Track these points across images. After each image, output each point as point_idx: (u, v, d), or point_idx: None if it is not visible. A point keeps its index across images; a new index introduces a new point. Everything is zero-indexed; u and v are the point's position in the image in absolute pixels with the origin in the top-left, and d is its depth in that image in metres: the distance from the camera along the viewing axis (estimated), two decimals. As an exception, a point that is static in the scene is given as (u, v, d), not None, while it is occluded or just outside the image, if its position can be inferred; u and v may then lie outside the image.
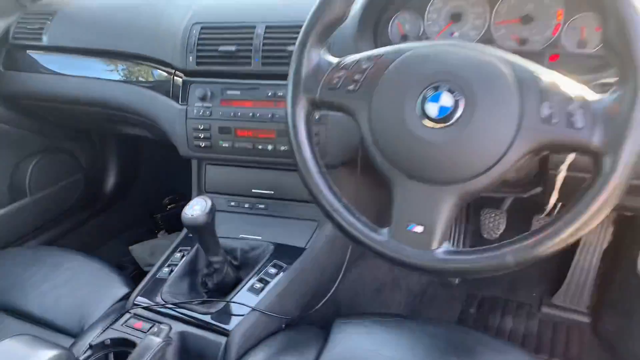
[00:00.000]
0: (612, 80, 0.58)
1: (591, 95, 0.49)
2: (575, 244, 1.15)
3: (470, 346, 0.70)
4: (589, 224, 0.48)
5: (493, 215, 1.19)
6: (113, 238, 1.21)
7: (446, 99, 0.52)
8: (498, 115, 0.51)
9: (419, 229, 0.55)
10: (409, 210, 0.56)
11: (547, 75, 0.51)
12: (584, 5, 0.70)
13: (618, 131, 0.46)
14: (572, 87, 0.50)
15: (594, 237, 1.10)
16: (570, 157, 0.66)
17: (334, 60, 0.61)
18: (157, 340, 0.63)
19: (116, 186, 1.46)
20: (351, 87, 0.58)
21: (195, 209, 0.73)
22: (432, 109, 0.53)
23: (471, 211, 1.22)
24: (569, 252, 1.14)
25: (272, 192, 0.92)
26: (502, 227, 1.18)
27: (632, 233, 1.05)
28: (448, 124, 0.52)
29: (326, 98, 0.60)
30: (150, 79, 0.99)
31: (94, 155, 1.41)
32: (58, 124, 1.28)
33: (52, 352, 0.56)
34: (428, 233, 0.55)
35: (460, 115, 0.51)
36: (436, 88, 0.53)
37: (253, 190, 0.93)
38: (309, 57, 0.60)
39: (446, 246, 0.55)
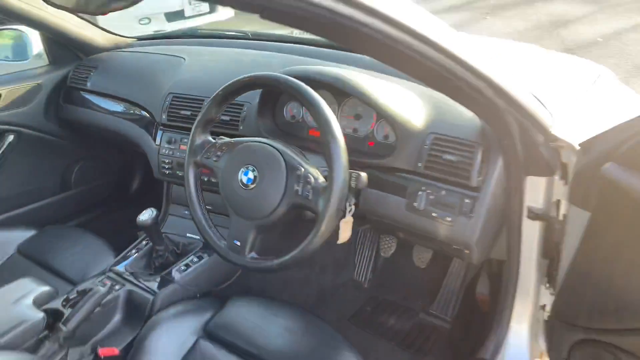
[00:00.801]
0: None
1: (316, 180, 0.89)
2: (446, 270, 1.49)
3: (312, 330, 1.09)
4: (311, 249, 0.89)
5: (387, 239, 1.56)
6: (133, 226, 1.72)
7: (250, 175, 0.94)
8: (274, 186, 0.92)
9: (238, 243, 0.98)
10: (234, 233, 0.99)
11: (305, 166, 0.91)
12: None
13: (326, 199, 0.86)
14: (312, 173, 0.90)
15: (458, 267, 1.45)
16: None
17: (212, 140, 1.05)
18: (102, 290, 1.10)
19: (138, 187, 1.97)
20: (214, 158, 1.02)
21: (145, 215, 1.19)
22: (244, 179, 0.95)
23: (375, 237, 1.60)
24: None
25: (211, 207, 1.37)
26: (394, 248, 1.55)
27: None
28: (251, 187, 0.94)
29: (203, 162, 1.04)
30: (144, 122, 1.47)
31: (123, 163, 1.92)
32: (96, 140, 1.81)
33: (42, 289, 1.04)
34: (242, 246, 0.97)
35: (255, 184, 0.94)
36: (247, 167, 0.95)
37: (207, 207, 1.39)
38: (196, 138, 1.05)
39: (252, 254, 0.97)
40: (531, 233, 1.05)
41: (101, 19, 1.97)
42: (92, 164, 1.84)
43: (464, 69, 0.67)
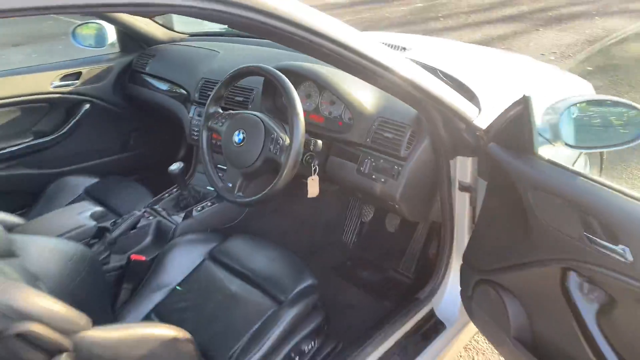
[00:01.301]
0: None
1: (283, 141, 1.26)
2: (412, 235, 1.81)
3: (288, 260, 1.43)
4: (275, 190, 1.25)
5: (366, 207, 1.89)
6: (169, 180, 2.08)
7: (241, 136, 1.33)
8: (255, 145, 1.30)
9: (230, 185, 1.37)
10: (227, 178, 1.38)
11: (277, 131, 1.29)
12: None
13: (287, 155, 1.23)
14: (282, 137, 1.27)
15: (421, 233, 1.76)
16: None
17: (220, 111, 1.44)
18: (137, 213, 1.53)
19: (177, 151, 2.40)
20: (220, 124, 1.41)
21: (174, 166, 1.60)
22: (236, 139, 1.34)
23: (359, 206, 1.94)
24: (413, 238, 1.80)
25: (220, 166, 1.77)
26: (371, 215, 1.88)
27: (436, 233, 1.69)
28: (240, 145, 1.33)
29: (212, 126, 1.44)
30: (182, 99, 1.89)
31: (168, 132, 2.36)
32: (150, 112, 2.26)
33: (98, 208, 1.48)
34: (233, 187, 1.36)
35: (243, 143, 1.32)
36: (239, 131, 1.34)
37: (218, 165, 1.79)
38: (209, 109, 1.45)
39: (239, 194, 1.36)
40: (462, 202, 1.37)
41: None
42: (145, 131, 2.30)
43: (387, 72, 0.99)
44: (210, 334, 1.20)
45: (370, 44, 0.93)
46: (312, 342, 1.30)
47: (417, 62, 1.19)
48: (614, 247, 0.85)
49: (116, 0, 0.61)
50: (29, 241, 1.09)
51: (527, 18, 6.64)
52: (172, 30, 2.24)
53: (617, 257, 0.84)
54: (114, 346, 0.86)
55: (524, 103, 1.02)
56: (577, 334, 0.97)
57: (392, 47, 1.78)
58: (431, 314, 1.47)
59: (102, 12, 1.45)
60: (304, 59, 1.57)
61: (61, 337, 0.77)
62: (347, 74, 1.05)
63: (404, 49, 1.76)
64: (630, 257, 0.82)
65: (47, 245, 1.12)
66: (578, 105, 1.05)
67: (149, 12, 0.79)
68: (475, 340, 1.77)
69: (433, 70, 1.37)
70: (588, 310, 0.94)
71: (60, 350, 0.77)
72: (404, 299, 1.52)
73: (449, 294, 1.48)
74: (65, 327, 0.78)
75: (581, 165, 1.93)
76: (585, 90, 1.85)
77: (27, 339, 0.73)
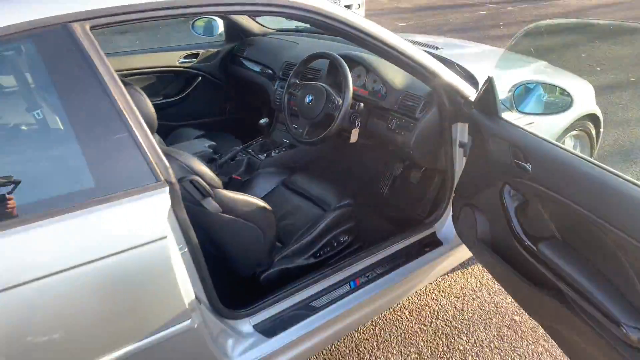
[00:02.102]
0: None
1: (338, 102, 1.93)
2: (430, 185, 2.40)
3: (332, 191, 2.11)
4: (330, 134, 1.93)
5: (397, 164, 2.51)
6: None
7: (310, 98, 2.02)
8: (319, 103, 1.98)
9: (301, 130, 2.06)
10: (299, 125, 2.07)
11: (334, 95, 1.96)
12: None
13: (339, 111, 1.91)
14: (337, 98, 1.94)
15: (436, 184, 2.35)
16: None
17: (298, 82, 2.13)
18: (237, 149, 2.25)
19: (267, 114, 3.11)
20: (297, 91, 2.10)
21: (262, 120, 2.31)
22: (307, 100, 2.02)
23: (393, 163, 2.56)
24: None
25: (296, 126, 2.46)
26: (400, 170, 2.49)
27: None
28: (310, 104, 2.01)
29: (291, 91, 2.13)
30: (270, 76, 2.60)
31: (259, 100, 3.07)
32: (244, 87, 2.98)
33: (212, 142, 2.21)
34: (302, 132, 2.05)
35: (312, 103, 2.00)
36: (309, 94, 2.02)
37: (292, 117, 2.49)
38: (291, 80, 2.14)
39: (306, 136, 2.04)
40: (460, 155, 1.98)
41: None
42: (240, 99, 3.04)
43: (410, 60, 1.64)
44: (280, 227, 1.88)
45: (400, 40, 1.59)
46: (346, 237, 1.96)
47: (441, 57, 1.83)
48: (524, 164, 1.45)
49: (238, 7, 1.31)
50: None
51: (585, 31, 6.92)
52: (264, 26, 2.96)
53: (526, 170, 1.45)
54: (234, 201, 1.56)
55: (489, 82, 1.63)
56: (507, 226, 1.57)
57: (428, 46, 2.41)
58: (433, 235, 2.08)
59: (227, 14, 2.14)
60: (357, 49, 2.23)
61: (209, 188, 1.47)
62: (385, 61, 1.70)
63: (437, 47, 2.38)
64: (530, 169, 1.43)
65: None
66: (525, 85, 1.64)
67: (258, 13, 1.48)
68: (470, 265, 2.36)
69: (451, 63, 2.00)
70: (512, 207, 1.54)
71: (209, 194, 1.47)
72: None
73: (448, 222, 2.08)
74: (211, 183, 1.49)
75: (570, 146, 2.47)
76: (585, 88, 2.39)
77: (194, 184, 1.43)
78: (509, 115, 1.68)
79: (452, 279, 2.29)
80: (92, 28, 1.17)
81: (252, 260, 1.71)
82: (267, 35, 2.90)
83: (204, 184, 1.45)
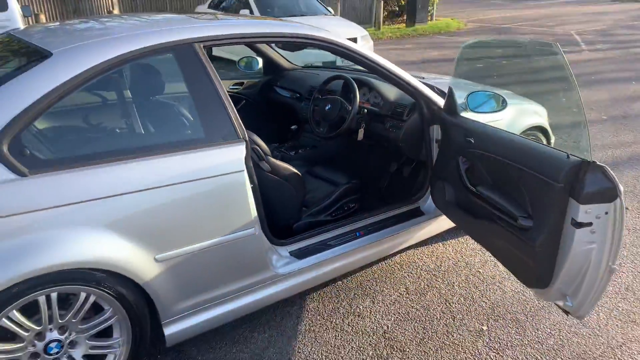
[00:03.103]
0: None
1: (348, 109, 2.76)
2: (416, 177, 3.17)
3: (341, 175, 2.90)
4: (342, 130, 2.75)
5: (393, 163, 3.30)
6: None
7: (329, 106, 2.85)
8: (335, 110, 2.81)
9: (321, 129, 2.88)
10: (320, 127, 2.89)
11: (347, 106, 2.79)
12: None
13: (348, 115, 2.74)
14: (350, 109, 2.78)
15: (422, 176, 3.12)
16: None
17: (320, 96, 2.97)
18: (274, 145, 3.05)
19: (294, 125, 3.97)
20: (320, 102, 2.94)
21: (293, 127, 3.14)
22: (327, 108, 2.86)
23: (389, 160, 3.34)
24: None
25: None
26: (396, 167, 3.28)
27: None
28: (328, 110, 2.85)
29: (316, 102, 2.96)
30: (298, 99, 3.45)
31: (288, 116, 3.91)
32: (278, 108, 3.83)
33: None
34: (322, 130, 2.87)
35: (330, 110, 2.84)
36: (328, 104, 2.85)
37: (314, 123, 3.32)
38: (315, 95, 2.98)
39: (324, 133, 2.86)
40: (436, 149, 2.76)
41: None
42: (273, 116, 3.87)
43: (401, 80, 2.47)
44: (306, 199, 2.65)
45: (393, 65, 2.43)
46: (353, 204, 2.74)
47: (425, 82, 2.66)
48: (470, 139, 2.24)
49: (296, 39, 2.16)
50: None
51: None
52: (292, 63, 3.85)
53: (470, 143, 2.23)
54: (278, 166, 2.35)
55: (450, 91, 2.45)
56: (461, 183, 2.33)
57: (416, 77, 3.25)
58: (417, 208, 2.83)
59: (289, 43, 2.95)
60: (364, 74, 3.08)
61: (263, 154, 2.27)
62: (382, 83, 2.55)
63: (422, 77, 3.22)
64: (473, 141, 2.21)
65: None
66: (475, 92, 2.45)
67: (306, 45, 2.33)
68: (449, 238, 3.08)
69: (431, 86, 2.83)
70: (463, 170, 2.31)
71: (263, 158, 2.27)
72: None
73: (429, 200, 2.83)
74: (265, 151, 2.29)
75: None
76: (537, 109, 3.19)
77: (254, 150, 2.23)
78: (465, 114, 2.49)
79: (434, 247, 3.01)
80: (204, 46, 2.02)
81: (287, 211, 2.47)
82: (295, 70, 3.78)
83: (261, 150, 2.25)
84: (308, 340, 2.25)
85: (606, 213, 1.64)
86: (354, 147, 3.20)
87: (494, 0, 23.98)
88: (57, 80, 1.70)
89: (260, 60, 3.74)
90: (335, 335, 2.28)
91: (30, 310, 1.67)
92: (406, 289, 2.63)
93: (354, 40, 7.55)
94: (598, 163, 1.63)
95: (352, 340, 2.25)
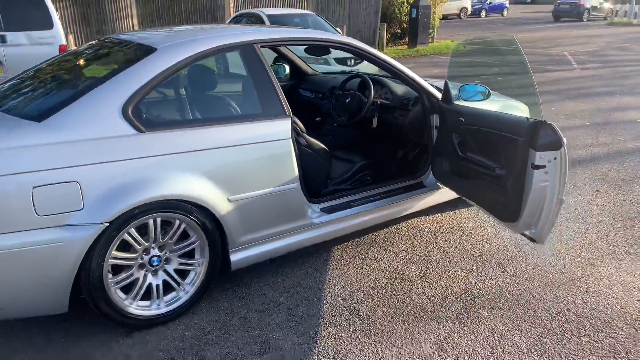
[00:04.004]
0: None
1: (365, 102, 3.46)
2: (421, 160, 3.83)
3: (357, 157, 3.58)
4: (359, 118, 3.43)
5: (400, 150, 3.96)
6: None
7: (349, 99, 3.55)
8: (354, 102, 3.50)
9: (342, 118, 3.56)
10: (342, 116, 3.57)
11: (367, 97, 3.49)
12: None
13: (364, 106, 3.43)
14: (366, 102, 3.48)
15: (421, 156, 3.78)
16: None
17: (340, 92, 3.66)
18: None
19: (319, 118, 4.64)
20: (341, 96, 3.64)
21: (318, 118, 3.82)
22: (347, 101, 3.55)
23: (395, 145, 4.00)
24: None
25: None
26: (401, 153, 3.94)
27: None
28: (349, 103, 3.54)
29: (337, 98, 3.66)
30: (320, 98, 4.15)
31: (311, 113, 4.61)
32: (302, 105, 4.52)
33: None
34: (343, 119, 3.55)
35: (349, 102, 3.53)
36: (348, 98, 3.55)
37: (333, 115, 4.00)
38: (336, 91, 3.68)
39: (345, 121, 3.54)
40: (435, 134, 3.44)
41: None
42: (301, 114, 4.55)
43: (408, 77, 3.17)
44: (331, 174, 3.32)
45: (401, 65, 3.13)
46: (368, 178, 3.42)
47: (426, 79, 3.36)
48: (461, 119, 2.91)
49: (328, 44, 2.87)
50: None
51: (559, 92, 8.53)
52: (314, 70, 4.56)
53: (461, 121, 2.90)
54: (311, 141, 3.02)
55: (446, 83, 3.14)
56: (455, 154, 2.99)
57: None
58: (420, 182, 3.49)
59: (321, 45, 3.59)
60: (377, 72, 3.78)
61: (300, 130, 2.95)
62: (392, 81, 3.24)
63: (425, 79, 3.91)
64: (463, 120, 2.89)
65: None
66: (465, 85, 3.14)
67: (335, 48, 3.03)
68: (446, 210, 3.72)
69: (431, 85, 3.51)
70: (456, 143, 2.96)
71: (300, 134, 2.95)
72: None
73: (430, 176, 3.49)
74: (302, 129, 2.97)
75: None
76: (522, 107, 3.86)
77: (294, 126, 2.91)
78: (458, 102, 3.16)
79: (434, 216, 3.66)
80: (261, 46, 2.72)
81: (317, 179, 3.12)
82: (316, 75, 4.49)
83: (299, 128, 2.92)
84: (335, 275, 2.88)
85: (555, 158, 2.30)
86: (367, 135, 3.85)
87: (490, 24, 24.96)
88: (163, 67, 2.39)
89: (287, 67, 4.45)
90: (357, 272, 2.92)
91: (142, 232, 2.32)
92: (411, 243, 3.27)
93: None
94: (548, 122, 2.30)
95: (370, 274, 2.89)
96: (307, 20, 9.85)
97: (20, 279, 2.05)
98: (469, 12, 29.73)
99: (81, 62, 2.86)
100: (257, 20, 9.58)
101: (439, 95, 3.28)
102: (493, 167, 2.56)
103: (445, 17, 24.84)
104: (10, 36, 6.95)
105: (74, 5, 12.28)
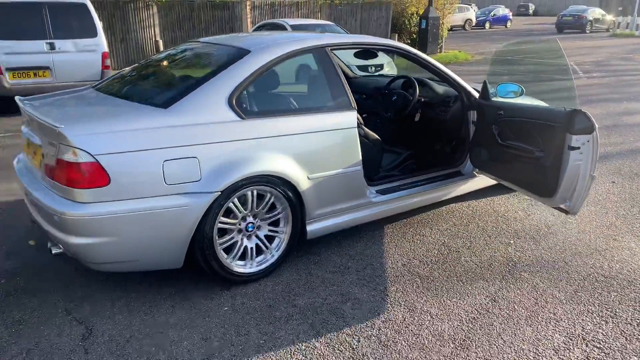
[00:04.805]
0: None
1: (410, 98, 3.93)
2: (456, 151, 4.29)
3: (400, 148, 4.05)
4: (406, 114, 3.90)
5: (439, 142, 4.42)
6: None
7: (395, 97, 4.02)
8: (401, 100, 3.97)
9: (389, 114, 4.03)
10: (389, 111, 4.04)
11: (412, 96, 3.96)
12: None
13: (412, 106, 3.90)
14: (412, 97, 3.95)
15: (457, 148, 4.23)
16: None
17: (386, 91, 4.14)
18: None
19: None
20: (388, 95, 4.11)
21: (364, 115, 4.29)
22: (393, 99, 4.02)
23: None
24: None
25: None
26: (439, 146, 4.39)
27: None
28: (394, 100, 4.01)
29: (385, 96, 4.14)
30: (363, 99, 4.62)
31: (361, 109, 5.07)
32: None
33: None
34: (390, 114, 4.02)
35: (396, 99, 4.00)
36: (395, 95, 4.02)
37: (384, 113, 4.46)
38: (383, 90, 4.16)
39: (393, 117, 4.01)
40: (473, 128, 3.90)
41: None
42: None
43: (449, 77, 3.64)
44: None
45: (443, 67, 3.61)
46: (414, 166, 3.88)
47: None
48: (500, 112, 3.38)
49: (382, 48, 3.35)
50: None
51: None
52: (355, 74, 5.03)
53: (500, 114, 3.37)
54: (367, 132, 3.49)
55: (485, 83, 3.61)
56: (495, 143, 3.45)
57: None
58: (458, 170, 3.94)
59: (377, 50, 4.09)
60: (419, 72, 4.25)
61: (360, 123, 3.42)
62: (434, 81, 3.72)
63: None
64: (503, 113, 3.35)
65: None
66: (502, 84, 3.60)
67: (387, 51, 3.50)
68: (481, 197, 4.16)
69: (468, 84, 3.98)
70: (496, 133, 3.42)
71: (360, 126, 3.42)
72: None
73: (467, 165, 3.94)
74: (360, 122, 3.44)
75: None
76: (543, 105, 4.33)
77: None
78: (495, 99, 3.63)
79: (470, 202, 4.11)
80: (331, 49, 3.19)
81: (372, 166, 3.57)
82: (357, 78, 4.96)
83: (359, 119, 3.38)
84: (391, 247, 3.33)
85: (588, 141, 2.76)
86: (410, 129, 4.31)
87: (494, 35, 25.56)
88: (257, 65, 2.86)
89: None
90: (410, 245, 3.36)
91: (241, 202, 2.77)
92: (453, 223, 3.72)
93: (381, 66, 8.76)
94: (582, 110, 2.75)
95: (422, 247, 3.34)
96: (327, 29, 10.37)
97: (151, 237, 2.50)
98: (474, 24, 30.39)
99: (184, 60, 3.34)
100: (279, 29, 10.10)
101: (476, 94, 3.74)
102: (533, 150, 3.02)
103: (450, 29, 25.44)
104: (58, 43, 7.46)
105: (100, 15, 12.83)
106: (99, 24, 7.82)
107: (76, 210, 2.36)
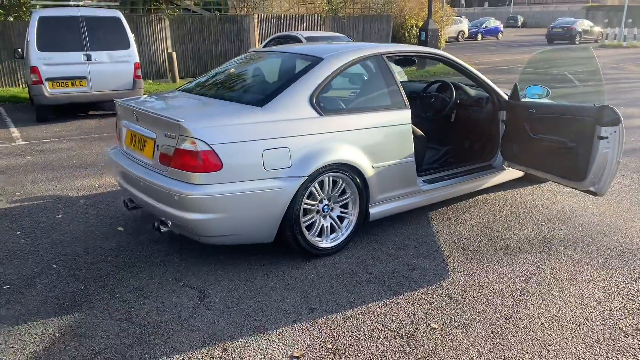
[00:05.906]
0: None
1: (449, 100, 4.44)
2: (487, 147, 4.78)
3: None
4: (443, 114, 4.40)
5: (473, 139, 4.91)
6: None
7: (433, 99, 4.52)
8: (440, 102, 4.48)
9: (429, 114, 4.53)
10: (428, 112, 4.54)
11: (451, 97, 4.47)
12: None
13: (449, 107, 4.41)
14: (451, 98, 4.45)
15: (486, 144, 4.72)
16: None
17: (424, 94, 4.64)
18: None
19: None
20: (426, 97, 4.62)
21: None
22: (430, 102, 4.53)
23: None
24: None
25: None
26: (468, 143, 4.89)
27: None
28: (432, 101, 4.51)
29: (424, 99, 4.64)
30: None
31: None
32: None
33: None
34: (429, 114, 4.52)
35: (434, 100, 4.51)
36: (433, 98, 4.52)
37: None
38: (422, 93, 4.66)
39: (431, 117, 4.51)
40: (503, 126, 4.40)
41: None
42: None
43: (482, 80, 4.15)
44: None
45: (478, 72, 4.12)
46: (452, 160, 4.38)
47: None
48: (532, 110, 3.88)
49: (423, 55, 3.85)
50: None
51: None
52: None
53: (532, 112, 3.87)
54: (415, 128, 3.98)
55: (515, 85, 4.12)
56: (526, 137, 3.95)
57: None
58: (489, 164, 4.44)
59: (418, 57, 4.61)
60: (453, 76, 4.76)
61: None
62: (467, 85, 4.22)
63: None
64: (534, 111, 3.86)
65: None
66: (531, 86, 4.11)
67: (429, 58, 4.01)
68: (507, 188, 4.65)
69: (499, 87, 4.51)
70: (528, 129, 3.92)
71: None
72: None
73: (497, 159, 4.43)
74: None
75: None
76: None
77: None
78: (524, 100, 4.13)
79: (500, 193, 4.60)
80: (386, 57, 3.69)
81: (418, 159, 4.05)
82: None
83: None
84: (439, 229, 3.80)
85: (615, 131, 3.26)
86: (446, 127, 4.81)
87: (487, 47, 26.35)
88: (330, 70, 3.34)
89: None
90: (455, 226, 3.84)
91: (320, 186, 3.23)
92: (489, 209, 4.20)
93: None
94: (610, 105, 3.26)
95: (465, 228, 3.81)
96: (339, 40, 10.92)
97: (252, 214, 2.95)
98: (466, 35, 31.23)
99: (262, 66, 3.83)
100: (295, 41, 10.62)
101: (505, 96, 4.25)
102: (565, 141, 3.51)
103: (446, 40, 26.20)
104: (94, 55, 7.91)
105: (115, 28, 13.29)
106: (131, 37, 8.28)
107: (195, 190, 2.81)
